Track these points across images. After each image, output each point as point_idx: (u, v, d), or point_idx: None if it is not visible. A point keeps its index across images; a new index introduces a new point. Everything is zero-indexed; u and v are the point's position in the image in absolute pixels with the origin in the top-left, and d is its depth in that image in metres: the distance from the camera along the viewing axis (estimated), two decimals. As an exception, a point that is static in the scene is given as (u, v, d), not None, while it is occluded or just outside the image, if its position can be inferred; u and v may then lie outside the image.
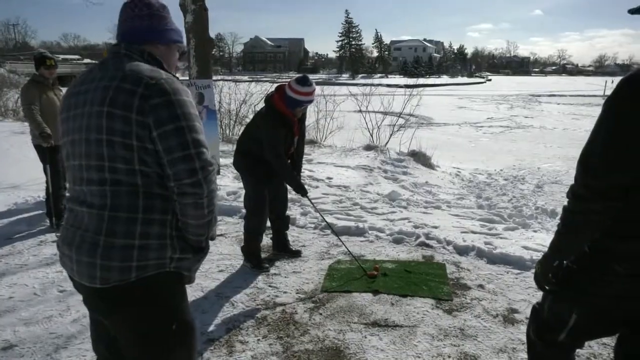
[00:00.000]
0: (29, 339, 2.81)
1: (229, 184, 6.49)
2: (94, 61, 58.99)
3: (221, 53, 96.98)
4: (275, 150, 3.57)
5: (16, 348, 2.73)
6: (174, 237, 1.47)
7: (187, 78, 6.93)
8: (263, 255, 4.13)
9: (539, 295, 3.46)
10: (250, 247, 3.91)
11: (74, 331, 2.91)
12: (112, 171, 1.39)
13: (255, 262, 3.87)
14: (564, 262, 1.62)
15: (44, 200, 4.95)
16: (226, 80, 15.83)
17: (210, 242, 1.61)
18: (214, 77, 9.37)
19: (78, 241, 1.42)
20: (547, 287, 1.71)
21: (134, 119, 1.36)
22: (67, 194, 1.55)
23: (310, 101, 3.65)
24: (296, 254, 4.16)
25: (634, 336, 1.60)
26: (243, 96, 11.81)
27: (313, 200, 5.74)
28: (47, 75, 4.71)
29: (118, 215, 1.39)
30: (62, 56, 65.92)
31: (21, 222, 4.82)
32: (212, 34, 7.24)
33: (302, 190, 3.78)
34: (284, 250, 4.17)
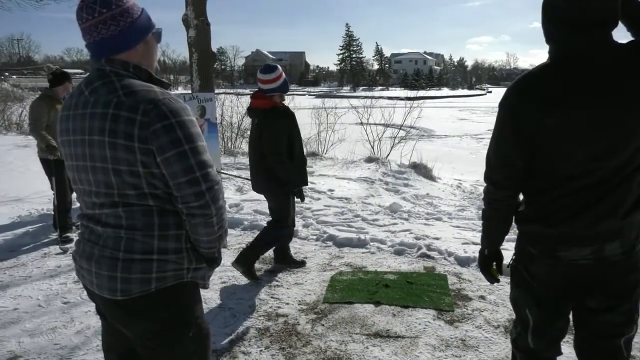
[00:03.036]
0: (33, 350, 2.84)
1: (231, 196, 6.53)
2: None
3: (223, 66, 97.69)
4: (277, 147, 3.62)
5: (21, 359, 2.75)
6: (189, 250, 1.51)
7: (190, 92, 7.01)
8: (266, 267, 4.16)
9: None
10: (256, 256, 3.92)
11: (77, 342, 2.93)
12: (122, 197, 1.42)
13: (249, 269, 3.87)
14: (512, 260, 1.82)
15: (52, 213, 4.99)
16: (228, 93, 15.96)
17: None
18: (216, 90, 9.46)
19: (97, 255, 1.45)
20: (490, 280, 1.96)
21: (137, 147, 1.35)
22: (80, 212, 1.58)
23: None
24: (301, 264, 4.18)
25: (580, 321, 1.78)
26: (244, 109, 11.90)
27: (315, 212, 5.78)
28: (63, 93, 4.73)
29: (135, 234, 1.42)
30: (65, 70, 66.49)
31: (25, 235, 4.85)
32: (214, 47, 7.34)
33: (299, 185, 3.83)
34: (289, 262, 4.17)
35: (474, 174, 8.74)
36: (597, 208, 1.51)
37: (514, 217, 1.73)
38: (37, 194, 6.45)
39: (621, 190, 1.51)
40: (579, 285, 1.65)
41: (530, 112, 1.48)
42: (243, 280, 3.88)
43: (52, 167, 4.68)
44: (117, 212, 1.43)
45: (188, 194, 1.39)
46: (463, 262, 4.25)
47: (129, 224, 1.42)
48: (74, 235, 4.50)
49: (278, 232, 3.93)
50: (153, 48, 1.56)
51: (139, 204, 1.42)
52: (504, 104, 1.59)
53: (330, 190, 6.99)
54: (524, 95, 1.51)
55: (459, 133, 18.16)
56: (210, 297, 3.55)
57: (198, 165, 1.39)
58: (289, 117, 3.70)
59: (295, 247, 4.58)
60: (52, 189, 4.81)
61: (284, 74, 3.73)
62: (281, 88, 3.69)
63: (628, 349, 1.74)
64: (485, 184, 1.73)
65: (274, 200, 3.90)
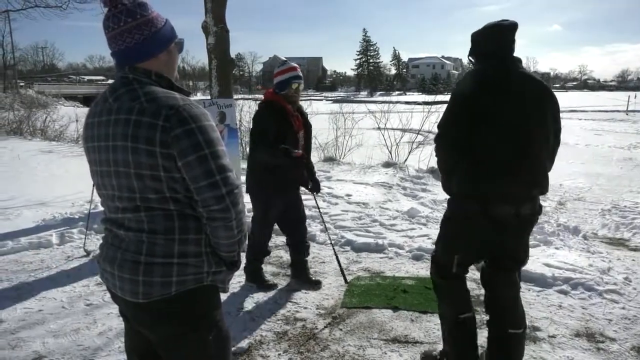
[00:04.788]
0: (57, 351, 2.90)
1: (248, 200, 6.57)
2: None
3: (241, 72, 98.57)
4: (264, 138, 3.47)
5: (45, 359, 2.81)
6: (208, 254, 1.53)
7: (209, 97, 7.11)
8: (284, 271, 4.17)
9: (561, 312, 3.43)
10: (252, 267, 3.86)
11: (100, 343, 2.98)
12: (144, 200, 1.45)
13: (259, 282, 3.84)
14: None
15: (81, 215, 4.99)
16: (246, 99, 16.09)
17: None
18: (234, 96, 9.56)
19: (120, 259, 1.49)
20: None
21: (159, 152, 1.39)
22: (104, 217, 1.62)
23: (296, 76, 3.52)
24: (315, 285, 3.87)
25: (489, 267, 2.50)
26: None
27: (332, 217, 5.79)
28: None
29: (156, 237, 1.45)
30: (87, 77, 68.01)
31: (49, 238, 4.96)
32: (233, 53, 7.43)
33: (297, 162, 3.54)
34: (304, 280, 3.91)
35: (493, 179, 8.66)
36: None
37: None
38: (61, 197, 6.61)
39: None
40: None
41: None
42: (261, 284, 3.90)
43: None
44: (139, 216, 1.46)
45: (208, 197, 1.41)
46: (482, 267, 4.20)
47: (150, 228, 1.46)
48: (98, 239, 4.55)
49: (253, 237, 3.80)
50: (175, 57, 1.61)
51: (160, 207, 1.45)
52: (457, 89, 2.43)
53: (348, 195, 6.99)
54: None
55: (478, 138, 17.95)
56: (229, 301, 3.58)
57: (218, 169, 1.41)
58: (273, 110, 3.53)
59: (313, 252, 4.59)
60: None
61: (284, 74, 3.52)
62: (276, 85, 3.58)
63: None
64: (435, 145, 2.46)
65: (251, 198, 3.80)
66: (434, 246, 2.67)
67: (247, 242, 1.51)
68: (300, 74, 3.60)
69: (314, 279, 3.95)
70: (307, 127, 3.79)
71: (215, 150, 1.43)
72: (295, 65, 3.59)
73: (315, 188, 3.89)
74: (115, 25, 1.47)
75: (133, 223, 1.48)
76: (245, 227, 1.55)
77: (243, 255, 4.32)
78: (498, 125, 2.19)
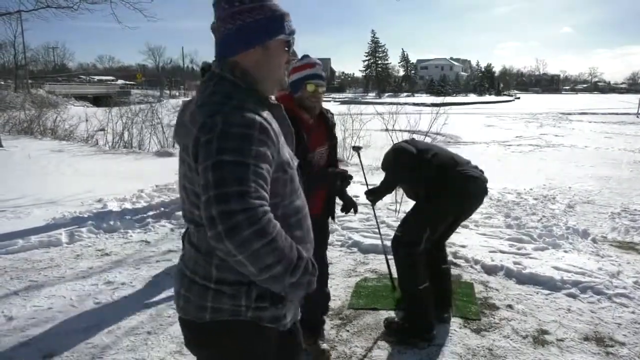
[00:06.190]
0: (66, 349, 2.92)
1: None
2: (127, 82, 61.11)
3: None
4: None
5: (55, 357, 2.84)
6: (250, 285, 1.30)
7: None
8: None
9: (570, 316, 3.41)
10: None
11: (108, 342, 3.01)
12: (192, 214, 1.34)
13: None
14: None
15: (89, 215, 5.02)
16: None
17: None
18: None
19: (177, 268, 1.47)
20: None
21: (192, 165, 1.24)
22: None
23: (313, 75, 2.57)
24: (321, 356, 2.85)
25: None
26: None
27: (339, 219, 5.78)
28: None
29: (199, 257, 1.34)
30: (97, 77, 68.59)
31: (59, 236, 5.01)
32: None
33: (341, 180, 2.73)
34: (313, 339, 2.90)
35: (502, 181, 8.61)
36: None
37: None
38: (71, 196, 6.67)
39: None
40: None
41: None
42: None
43: None
44: (192, 229, 1.38)
45: (204, 219, 1.14)
46: (490, 270, 4.19)
47: (197, 245, 1.35)
48: None
49: None
50: (272, 56, 1.35)
51: (203, 225, 1.21)
52: None
53: (355, 196, 6.97)
54: None
55: (486, 140, 17.87)
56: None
57: (215, 183, 1.12)
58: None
59: (320, 253, 4.59)
60: None
61: (298, 72, 2.59)
62: (290, 85, 2.62)
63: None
64: None
65: None
66: None
67: (290, 275, 1.20)
68: (320, 72, 2.63)
69: (322, 347, 2.93)
70: (332, 139, 2.84)
71: (220, 160, 1.13)
72: (315, 61, 2.64)
73: (347, 207, 3.07)
74: (218, 13, 1.34)
75: (188, 235, 1.42)
76: (285, 260, 1.19)
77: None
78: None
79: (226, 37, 1.32)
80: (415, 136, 11.09)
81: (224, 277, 1.30)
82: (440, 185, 3.05)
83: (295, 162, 1.40)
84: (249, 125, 1.18)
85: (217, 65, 1.34)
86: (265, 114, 1.28)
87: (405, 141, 3.52)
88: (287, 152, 1.36)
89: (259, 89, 1.34)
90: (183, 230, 1.55)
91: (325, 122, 2.76)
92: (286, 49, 1.39)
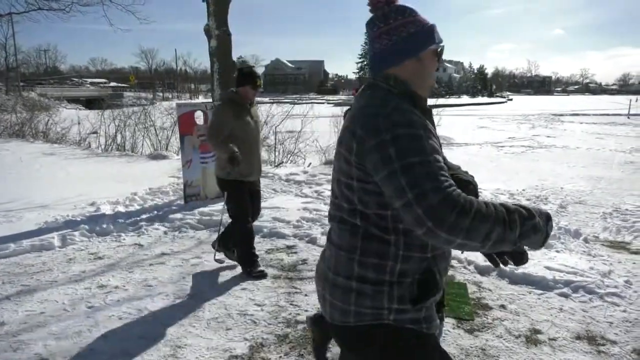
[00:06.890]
0: (59, 353, 2.91)
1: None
2: (120, 85, 60.88)
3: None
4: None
5: (47, 361, 2.82)
6: (393, 285, 1.32)
7: (211, 100, 7.13)
8: (284, 274, 4.18)
9: (562, 315, 3.44)
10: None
11: (102, 346, 2.99)
12: (339, 209, 1.41)
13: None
14: None
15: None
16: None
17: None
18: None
19: (320, 271, 1.50)
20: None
21: (353, 160, 1.32)
22: None
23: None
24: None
25: None
26: (264, 117, 12.02)
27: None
28: (251, 97, 4.21)
29: (341, 254, 1.38)
30: (90, 80, 68.24)
31: (51, 240, 4.97)
32: (235, 56, 7.45)
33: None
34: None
35: (494, 182, 8.66)
36: None
37: None
38: (63, 200, 6.63)
39: None
40: None
41: None
42: (262, 287, 3.92)
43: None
44: (336, 227, 1.43)
45: (409, 222, 1.20)
46: (483, 270, 4.21)
47: (339, 242, 1.40)
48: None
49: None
50: (427, 66, 1.43)
51: (348, 221, 1.38)
52: None
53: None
54: None
55: (479, 141, 17.97)
56: (230, 303, 3.59)
57: (411, 186, 1.18)
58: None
59: (315, 255, 4.60)
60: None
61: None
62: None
63: None
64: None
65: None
66: None
67: (510, 230, 1.20)
68: None
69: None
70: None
71: (407, 163, 1.20)
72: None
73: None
74: (372, 31, 1.44)
75: (331, 233, 1.46)
76: (493, 219, 1.18)
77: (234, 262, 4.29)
78: None
79: (382, 51, 1.41)
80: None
81: (366, 275, 1.33)
82: None
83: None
84: (412, 125, 1.25)
85: (373, 76, 1.44)
86: (419, 113, 1.35)
87: None
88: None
89: (412, 95, 1.40)
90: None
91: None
92: (436, 57, 1.46)
